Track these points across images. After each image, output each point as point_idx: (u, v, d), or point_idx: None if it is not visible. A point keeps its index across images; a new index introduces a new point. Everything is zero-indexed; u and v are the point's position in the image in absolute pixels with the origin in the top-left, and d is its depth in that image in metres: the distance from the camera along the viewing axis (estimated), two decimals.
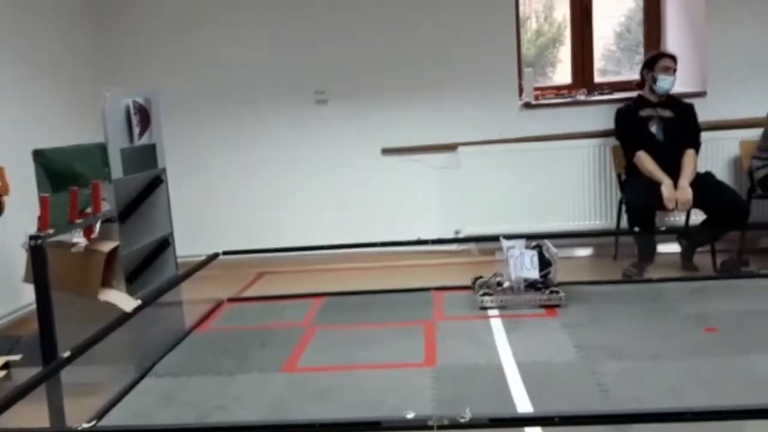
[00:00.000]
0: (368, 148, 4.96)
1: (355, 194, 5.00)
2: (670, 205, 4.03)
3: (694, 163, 4.20)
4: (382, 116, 4.94)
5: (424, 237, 4.34)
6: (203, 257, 3.95)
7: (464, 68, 4.83)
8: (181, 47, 4.99)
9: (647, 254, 4.25)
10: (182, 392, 2.81)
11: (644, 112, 4.35)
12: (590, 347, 2.96)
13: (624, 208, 4.39)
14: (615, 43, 5.56)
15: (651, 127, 4.31)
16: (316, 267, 4.84)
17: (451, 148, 4.85)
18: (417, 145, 4.90)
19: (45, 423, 2.46)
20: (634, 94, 4.53)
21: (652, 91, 4.34)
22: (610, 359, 2.83)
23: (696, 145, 4.29)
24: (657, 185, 4.08)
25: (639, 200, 4.15)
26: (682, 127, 4.32)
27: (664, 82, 4.28)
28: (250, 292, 4.41)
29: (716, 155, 4.61)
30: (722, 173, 4.55)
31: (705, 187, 4.13)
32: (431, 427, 1.89)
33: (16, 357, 3.08)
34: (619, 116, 4.44)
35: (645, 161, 4.21)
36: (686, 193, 4.03)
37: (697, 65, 4.80)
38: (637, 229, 4.12)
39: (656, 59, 4.33)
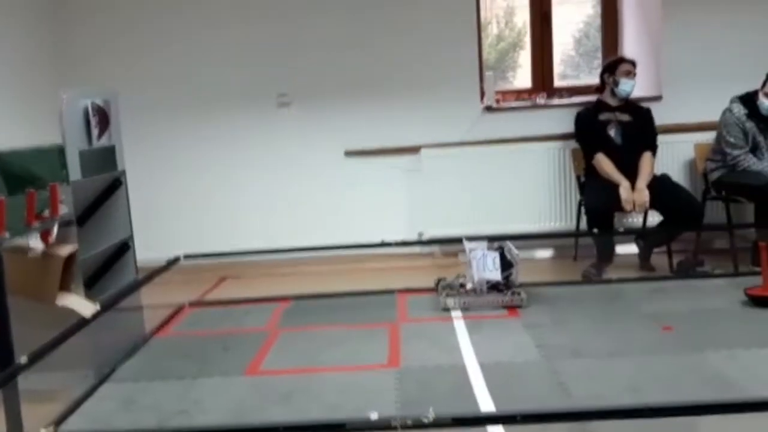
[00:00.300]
0: (331, 150, 4.96)
1: (319, 197, 5.00)
2: (627, 206, 4.11)
3: (650, 166, 4.29)
4: (345, 119, 4.94)
5: (387, 239, 4.35)
6: (164, 261, 3.89)
7: (427, 72, 4.86)
8: (143, 49, 4.94)
9: (606, 255, 4.32)
10: (143, 397, 2.76)
11: (603, 116, 4.43)
12: (551, 347, 3.00)
13: (583, 209, 4.46)
14: (574, 48, 5.65)
15: (609, 130, 4.39)
16: (280, 270, 4.81)
17: (413, 150, 4.87)
18: (380, 148, 4.92)
19: (2, 430, 2.40)
20: (593, 98, 4.61)
21: (614, 94, 4.42)
22: (570, 358, 2.87)
23: (653, 148, 4.39)
24: (615, 187, 4.16)
25: (598, 202, 4.22)
26: (639, 130, 4.41)
27: (625, 86, 4.37)
28: (212, 297, 4.36)
29: (672, 158, 4.73)
30: (678, 176, 4.67)
31: (661, 189, 4.22)
32: (395, 428, 1.89)
33: None
34: (579, 120, 4.52)
35: (603, 164, 4.29)
36: (643, 195, 4.12)
37: (653, 70, 4.91)
38: (596, 230, 4.19)
39: (617, 64, 4.42)
